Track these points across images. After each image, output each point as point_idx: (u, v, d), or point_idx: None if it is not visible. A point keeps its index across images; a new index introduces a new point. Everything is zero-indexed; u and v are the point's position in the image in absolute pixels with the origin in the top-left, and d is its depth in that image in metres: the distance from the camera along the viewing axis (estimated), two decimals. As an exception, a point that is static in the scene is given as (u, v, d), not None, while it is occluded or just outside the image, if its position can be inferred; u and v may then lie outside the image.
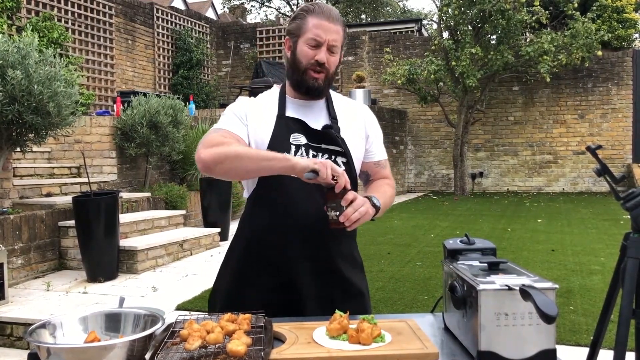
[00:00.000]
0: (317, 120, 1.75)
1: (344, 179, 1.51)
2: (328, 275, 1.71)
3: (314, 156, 1.70)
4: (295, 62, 1.72)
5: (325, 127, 1.73)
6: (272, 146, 1.68)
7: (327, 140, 1.72)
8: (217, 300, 1.81)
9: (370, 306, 1.85)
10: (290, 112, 1.75)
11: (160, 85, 13.32)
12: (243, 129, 1.72)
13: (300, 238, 1.67)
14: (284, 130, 1.71)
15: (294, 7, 27.16)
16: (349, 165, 1.73)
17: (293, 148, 1.70)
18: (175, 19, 13.83)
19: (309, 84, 1.71)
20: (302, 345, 1.29)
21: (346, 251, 1.76)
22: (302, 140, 1.71)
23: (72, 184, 6.63)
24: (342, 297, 1.70)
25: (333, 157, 1.72)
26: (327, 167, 1.49)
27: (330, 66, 1.71)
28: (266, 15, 31.63)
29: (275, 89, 1.83)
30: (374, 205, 1.62)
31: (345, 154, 1.73)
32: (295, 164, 1.52)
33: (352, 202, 1.54)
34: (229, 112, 1.76)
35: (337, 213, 1.55)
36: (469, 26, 12.38)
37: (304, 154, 1.70)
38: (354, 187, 1.77)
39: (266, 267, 1.71)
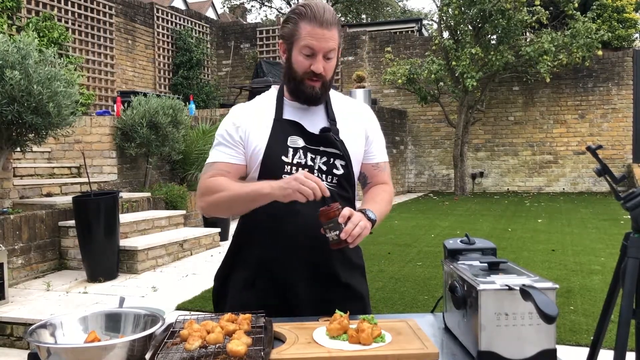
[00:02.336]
0: (315, 122, 1.73)
1: (322, 186, 1.49)
2: (326, 279, 1.70)
3: (312, 159, 1.68)
4: (291, 70, 1.67)
5: (323, 130, 1.70)
6: (269, 150, 1.66)
7: (326, 143, 1.70)
8: (220, 302, 1.82)
9: (370, 310, 1.82)
10: (287, 115, 1.72)
11: (161, 85, 13.32)
12: (235, 151, 1.70)
13: (299, 243, 1.65)
14: (281, 133, 1.69)
15: (294, 7, 27.10)
16: (348, 168, 1.71)
17: (291, 151, 1.67)
18: (176, 18, 13.83)
19: (307, 92, 1.67)
20: (302, 345, 1.28)
21: (345, 255, 1.73)
22: (300, 143, 1.68)
23: (72, 184, 6.63)
24: (340, 301, 1.67)
25: (332, 159, 1.70)
26: (301, 185, 1.48)
27: (327, 73, 1.67)
28: (266, 15, 31.60)
29: (274, 91, 1.80)
30: (369, 219, 1.59)
31: (344, 156, 1.71)
32: (271, 191, 1.53)
33: (349, 218, 1.51)
34: (219, 135, 1.73)
35: (337, 232, 1.49)
36: (469, 26, 12.38)
37: (302, 156, 1.68)
38: (352, 189, 1.76)
39: (264, 270, 1.70)
